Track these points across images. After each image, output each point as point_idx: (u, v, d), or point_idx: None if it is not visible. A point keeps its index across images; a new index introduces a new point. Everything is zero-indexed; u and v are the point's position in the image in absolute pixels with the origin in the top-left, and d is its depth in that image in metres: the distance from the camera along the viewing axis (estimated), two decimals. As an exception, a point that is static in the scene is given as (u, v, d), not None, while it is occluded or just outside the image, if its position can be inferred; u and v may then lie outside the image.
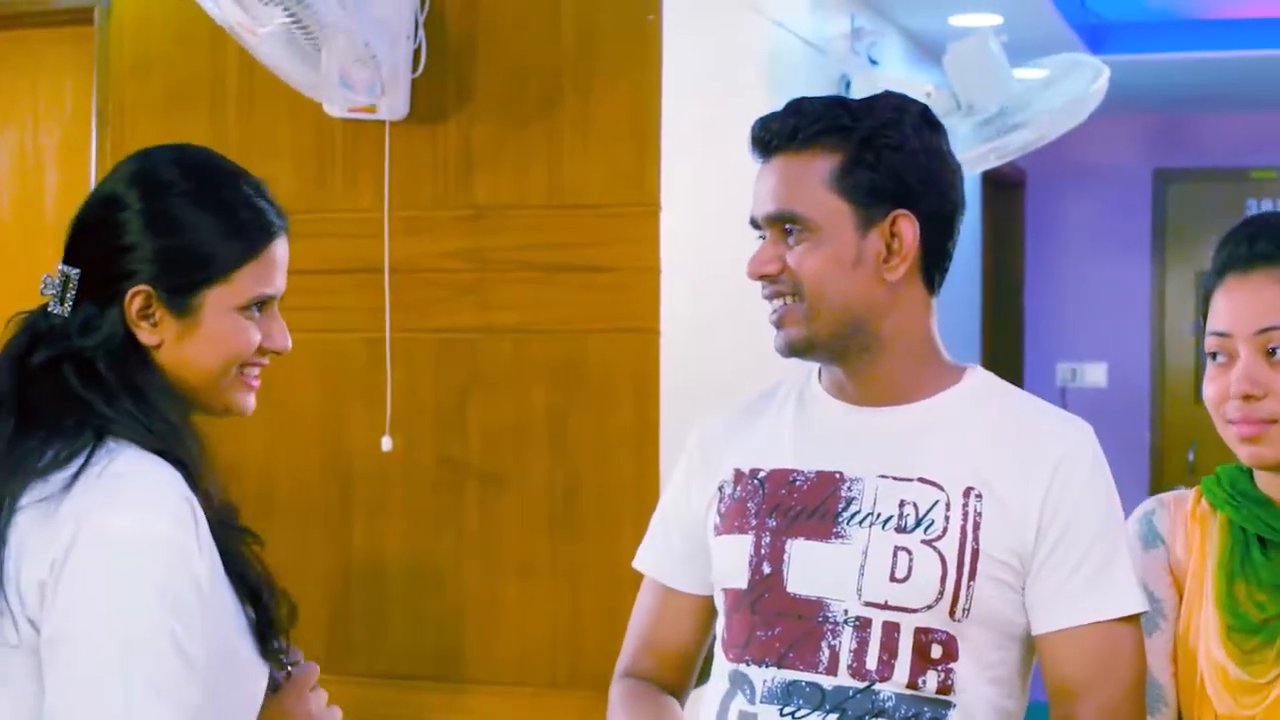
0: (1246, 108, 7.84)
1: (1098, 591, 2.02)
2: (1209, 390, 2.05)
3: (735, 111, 3.97)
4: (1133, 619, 2.04)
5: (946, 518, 2.02)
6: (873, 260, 2.05)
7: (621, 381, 3.68)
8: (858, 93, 4.81)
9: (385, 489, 3.85)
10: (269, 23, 3.38)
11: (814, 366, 2.18)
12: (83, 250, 1.89)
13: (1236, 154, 8.02)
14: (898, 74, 5.45)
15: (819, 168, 2.05)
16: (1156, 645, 2.09)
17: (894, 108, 2.08)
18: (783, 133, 2.06)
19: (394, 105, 3.71)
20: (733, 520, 2.12)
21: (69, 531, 1.74)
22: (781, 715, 2.02)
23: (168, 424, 1.83)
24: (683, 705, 2.24)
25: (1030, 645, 2.07)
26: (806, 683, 2.02)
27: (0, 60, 4.45)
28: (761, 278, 2.08)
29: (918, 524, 2.02)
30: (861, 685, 2.00)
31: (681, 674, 2.25)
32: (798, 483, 2.09)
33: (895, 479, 2.05)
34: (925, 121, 2.08)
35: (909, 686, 1.99)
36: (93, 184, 3.32)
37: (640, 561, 2.28)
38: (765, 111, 2.12)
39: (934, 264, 2.10)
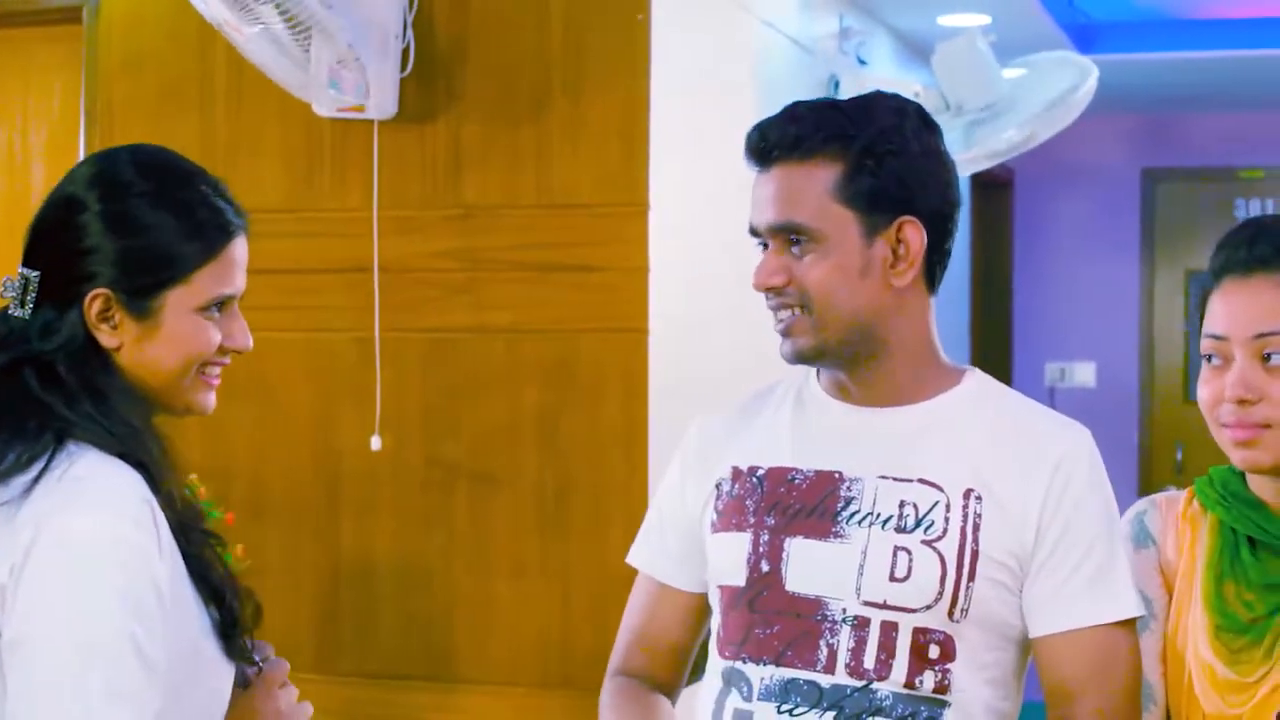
0: (1235, 107, 7.85)
1: (1096, 595, 2.02)
2: (1203, 393, 2.05)
3: (724, 111, 3.97)
4: (1130, 623, 2.05)
5: (946, 519, 2.02)
6: (879, 267, 2.04)
7: (611, 381, 3.68)
8: (846, 93, 4.81)
9: (375, 489, 3.85)
10: (254, 24, 3.38)
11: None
12: (43, 253, 1.88)
13: (1225, 154, 8.03)
14: (886, 74, 5.44)
15: (822, 177, 2.03)
16: (1147, 645, 2.09)
17: (893, 111, 2.07)
18: (783, 142, 2.04)
19: (382, 104, 3.70)
20: (731, 517, 2.11)
21: (29, 535, 1.73)
22: (779, 713, 2.01)
23: (129, 427, 1.83)
24: (675, 703, 2.24)
25: (1025, 647, 2.07)
26: (804, 681, 2.02)
27: (-10, 59, 4.45)
28: (768, 290, 2.07)
29: (918, 524, 2.02)
30: (859, 684, 2.00)
31: (674, 671, 2.25)
32: (797, 481, 2.08)
33: (895, 480, 2.05)
34: (923, 123, 2.08)
35: (906, 686, 1.99)
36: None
37: (634, 558, 2.28)
38: (753, 111, 2.12)
39: (936, 264, 2.10)
